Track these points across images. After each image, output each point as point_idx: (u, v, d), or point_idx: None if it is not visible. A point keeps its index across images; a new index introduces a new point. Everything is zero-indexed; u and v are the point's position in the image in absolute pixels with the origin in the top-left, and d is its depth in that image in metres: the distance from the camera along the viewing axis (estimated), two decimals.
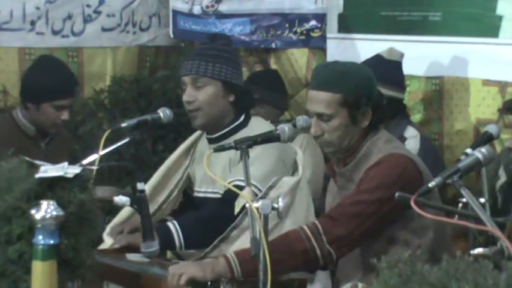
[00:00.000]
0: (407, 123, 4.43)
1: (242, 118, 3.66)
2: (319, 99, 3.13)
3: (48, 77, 4.28)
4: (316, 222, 3.08)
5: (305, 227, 3.05)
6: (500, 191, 3.93)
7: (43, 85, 4.25)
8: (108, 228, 3.67)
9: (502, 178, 3.95)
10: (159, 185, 3.80)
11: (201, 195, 3.73)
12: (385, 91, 4.15)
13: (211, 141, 3.67)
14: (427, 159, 4.26)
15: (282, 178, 3.46)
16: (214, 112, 3.62)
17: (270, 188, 3.39)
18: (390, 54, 4.44)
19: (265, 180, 3.43)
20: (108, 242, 3.58)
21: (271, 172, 3.49)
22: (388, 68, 4.34)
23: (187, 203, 3.84)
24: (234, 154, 3.50)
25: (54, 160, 3.16)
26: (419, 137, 4.35)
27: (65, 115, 4.27)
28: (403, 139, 4.30)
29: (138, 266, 3.17)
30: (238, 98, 3.63)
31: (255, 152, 3.38)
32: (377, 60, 4.34)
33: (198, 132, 3.84)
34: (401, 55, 4.47)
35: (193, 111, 3.62)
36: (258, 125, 3.61)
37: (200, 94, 3.60)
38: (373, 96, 3.16)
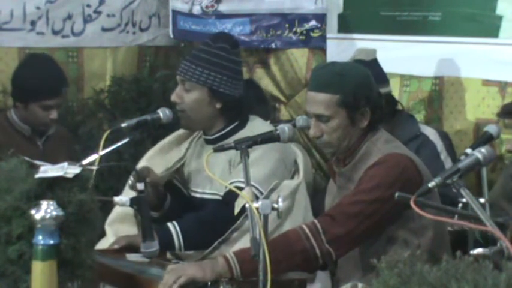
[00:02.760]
0: (416, 120, 4.43)
1: (238, 122, 3.64)
2: (318, 101, 3.13)
3: (35, 77, 4.27)
4: (316, 221, 3.08)
5: (304, 226, 3.05)
6: None
7: (29, 86, 4.24)
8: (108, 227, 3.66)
9: None
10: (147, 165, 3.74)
11: (198, 195, 3.71)
12: (381, 90, 4.16)
13: (208, 141, 3.65)
14: (451, 155, 4.28)
15: (282, 181, 3.45)
16: (198, 117, 3.60)
17: (271, 190, 3.38)
18: (368, 55, 4.43)
19: (266, 183, 3.42)
20: (109, 235, 3.58)
21: (272, 174, 3.48)
22: (371, 68, 4.32)
23: (186, 203, 3.82)
24: (234, 156, 3.49)
25: (52, 159, 3.17)
26: (437, 133, 4.35)
27: (52, 114, 4.26)
28: (423, 136, 4.28)
29: (137, 266, 3.17)
30: (226, 106, 3.60)
31: (256, 154, 3.38)
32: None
33: None
34: (375, 51, 4.46)
35: (180, 111, 3.63)
36: (256, 126, 3.59)
37: (186, 96, 3.60)
38: (371, 96, 3.16)
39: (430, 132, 4.34)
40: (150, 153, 3.83)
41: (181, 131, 3.83)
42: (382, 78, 4.36)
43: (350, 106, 3.12)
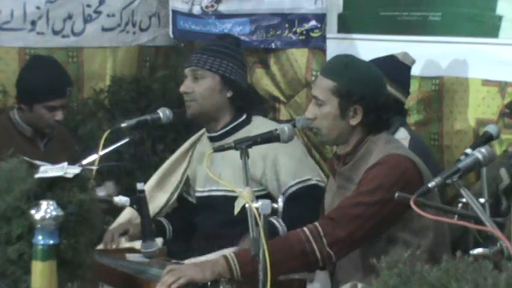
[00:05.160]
0: (400, 124, 4.41)
1: (244, 116, 3.68)
2: (319, 84, 3.22)
3: (39, 78, 4.26)
4: (317, 224, 3.07)
5: (305, 229, 3.04)
6: (504, 194, 3.91)
7: (34, 86, 4.24)
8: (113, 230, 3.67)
9: (505, 181, 3.92)
10: (157, 188, 3.79)
11: (205, 194, 3.72)
12: (393, 91, 4.16)
13: (212, 139, 3.67)
14: None
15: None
16: (209, 105, 3.63)
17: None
18: (404, 58, 4.43)
19: (298, 172, 3.52)
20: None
21: (302, 162, 3.57)
22: (400, 70, 4.34)
23: (183, 207, 3.82)
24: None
25: (53, 161, 3.17)
26: (409, 139, 4.32)
27: (58, 115, 4.25)
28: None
29: (137, 266, 3.17)
30: (236, 94, 3.63)
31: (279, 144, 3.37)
32: (391, 60, 4.33)
33: (197, 134, 3.84)
34: (413, 61, 4.47)
35: (189, 101, 3.64)
36: (261, 123, 3.62)
37: (197, 86, 3.63)
38: (368, 96, 3.16)
39: (400, 136, 4.32)
40: (158, 175, 3.85)
41: (180, 150, 3.86)
42: (402, 87, 4.34)
43: (342, 97, 3.14)
